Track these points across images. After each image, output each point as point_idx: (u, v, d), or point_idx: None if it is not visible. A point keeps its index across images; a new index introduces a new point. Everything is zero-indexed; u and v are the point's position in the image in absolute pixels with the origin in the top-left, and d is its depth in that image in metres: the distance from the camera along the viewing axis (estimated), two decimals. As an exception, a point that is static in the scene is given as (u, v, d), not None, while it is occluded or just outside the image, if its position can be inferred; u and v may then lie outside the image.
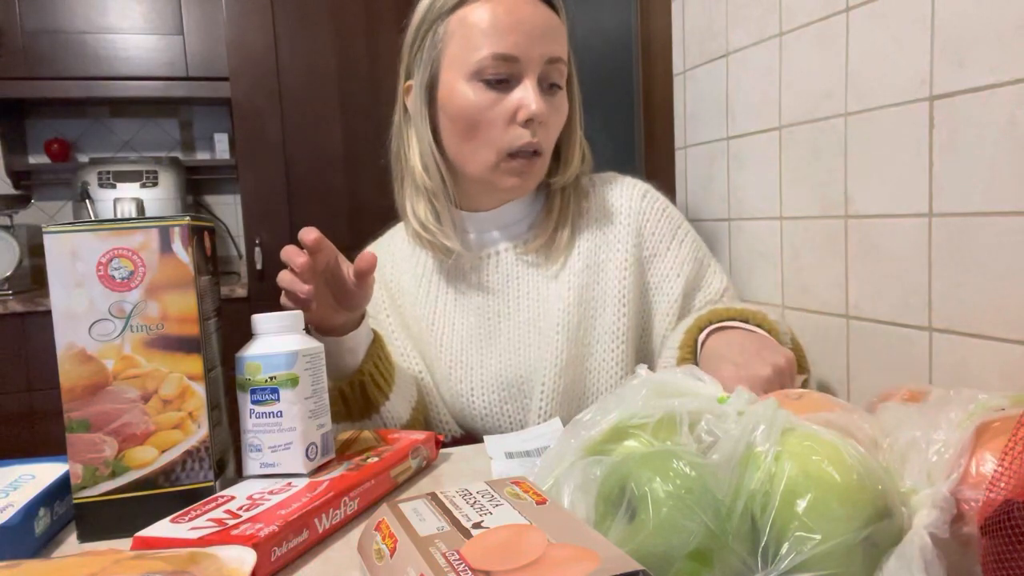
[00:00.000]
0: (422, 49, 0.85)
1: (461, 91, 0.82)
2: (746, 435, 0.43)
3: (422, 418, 0.90)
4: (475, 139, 0.83)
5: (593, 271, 0.88)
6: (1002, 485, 0.37)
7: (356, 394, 0.80)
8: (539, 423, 0.85)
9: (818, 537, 0.38)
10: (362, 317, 0.80)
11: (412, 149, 0.88)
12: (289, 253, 0.71)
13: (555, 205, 0.90)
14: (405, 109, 0.90)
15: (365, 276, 0.73)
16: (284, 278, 0.72)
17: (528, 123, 0.81)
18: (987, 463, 0.41)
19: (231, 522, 0.52)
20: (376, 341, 0.82)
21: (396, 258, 0.95)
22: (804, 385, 0.80)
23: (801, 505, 0.39)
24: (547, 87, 0.84)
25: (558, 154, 0.91)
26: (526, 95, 0.81)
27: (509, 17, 0.80)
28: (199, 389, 0.59)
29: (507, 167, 0.84)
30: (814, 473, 0.41)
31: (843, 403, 0.52)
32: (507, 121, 0.82)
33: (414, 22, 0.87)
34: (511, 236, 0.91)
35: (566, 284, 0.87)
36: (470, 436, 0.90)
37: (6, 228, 2.21)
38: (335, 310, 0.77)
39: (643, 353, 0.92)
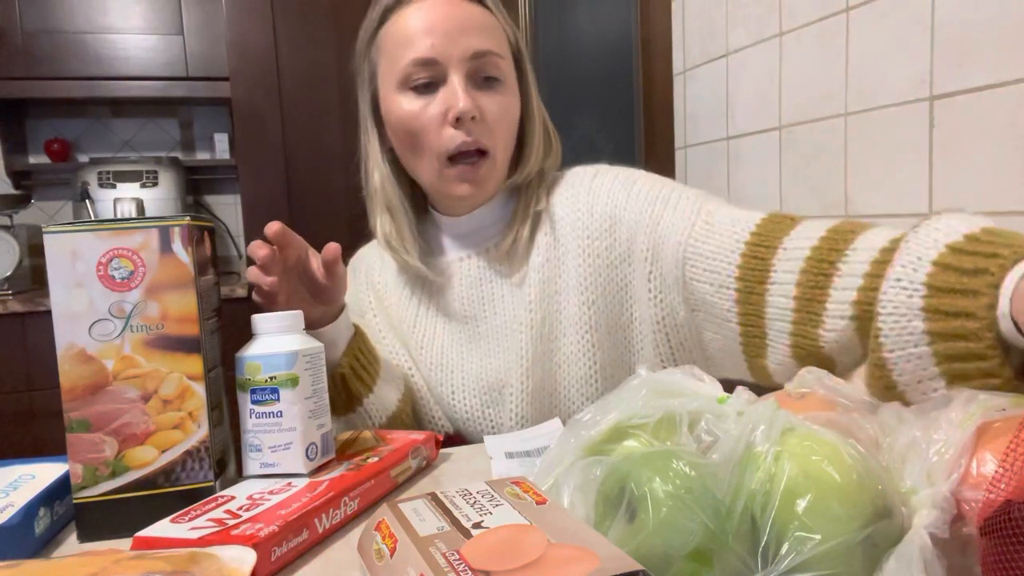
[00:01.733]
0: (362, 69, 0.88)
1: (395, 103, 0.82)
2: (746, 435, 0.43)
3: (409, 410, 0.90)
4: (417, 149, 0.83)
5: (553, 264, 0.86)
6: (1002, 486, 0.37)
7: (337, 387, 0.81)
8: (513, 426, 0.85)
9: (818, 537, 0.38)
10: (340, 311, 0.80)
11: (372, 168, 0.89)
12: (252, 247, 0.71)
13: (519, 207, 0.89)
14: (366, 130, 0.91)
15: (332, 267, 0.74)
16: (251, 272, 0.73)
17: (459, 122, 0.80)
18: (988, 463, 0.41)
19: (231, 522, 0.52)
20: (357, 335, 0.83)
21: (384, 259, 0.96)
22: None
23: (801, 505, 0.39)
24: (482, 81, 0.82)
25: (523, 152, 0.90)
26: (450, 94, 0.80)
27: (424, 21, 0.80)
28: (199, 389, 0.59)
29: (451, 173, 0.83)
30: (814, 473, 0.41)
31: (844, 402, 0.52)
32: (439, 124, 0.81)
33: (356, 48, 0.89)
34: (482, 239, 0.90)
35: (528, 282, 0.86)
36: (460, 436, 0.90)
37: (6, 228, 2.21)
38: (311, 304, 0.77)
39: (623, 335, 0.84)
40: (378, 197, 0.89)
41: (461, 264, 0.90)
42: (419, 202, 0.93)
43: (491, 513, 0.45)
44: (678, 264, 0.76)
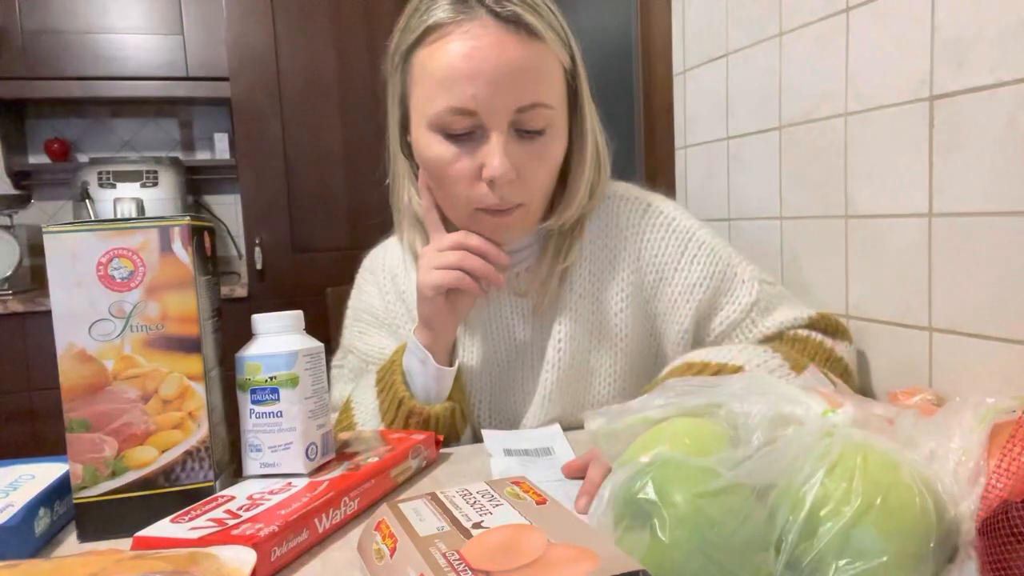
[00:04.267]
0: (394, 84, 0.79)
1: (425, 141, 0.74)
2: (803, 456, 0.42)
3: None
4: (445, 190, 0.76)
5: (588, 303, 0.82)
6: (999, 486, 0.37)
7: (445, 422, 0.78)
8: None
9: (867, 563, 0.38)
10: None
11: (400, 185, 0.85)
12: (493, 250, 0.75)
13: (549, 245, 0.83)
14: (395, 148, 0.85)
15: None
16: (470, 267, 0.75)
17: (493, 182, 0.72)
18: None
19: (231, 522, 0.52)
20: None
21: (408, 266, 0.90)
22: None
23: (859, 532, 0.38)
24: (523, 133, 0.73)
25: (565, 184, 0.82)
26: (489, 154, 0.71)
27: (468, 63, 0.69)
28: (199, 389, 0.59)
29: (480, 223, 0.76)
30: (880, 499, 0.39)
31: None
32: (472, 177, 0.73)
33: (389, 50, 0.79)
34: (512, 264, 0.83)
35: (559, 320, 0.82)
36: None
37: (6, 228, 2.21)
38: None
39: (649, 378, 0.84)
40: (408, 214, 0.85)
41: (488, 288, 0.84)
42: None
43: (491, 513, 0.45)
44: (712, 343, 0.82)
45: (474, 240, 0.75)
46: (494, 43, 0.69)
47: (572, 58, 0.77)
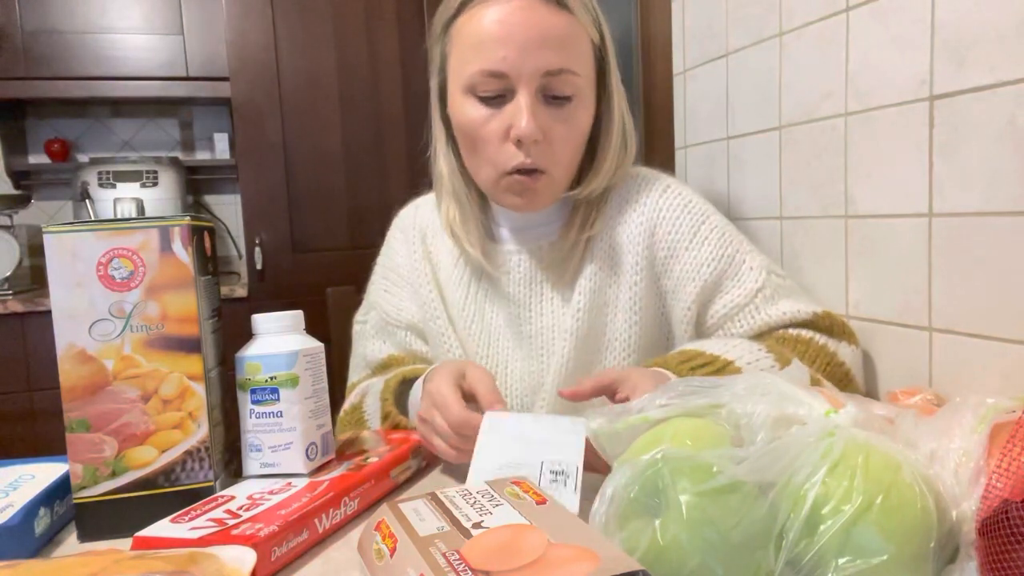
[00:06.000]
0: (435, 54, 0.84)
1: (459, 104, 0.79)
2: (798, 457, 0.42)
3: None
4: (476, 154, 0.81)
5: (605, 274, 0.85)
6: (999, 486, 0.37)
7: None
8: None
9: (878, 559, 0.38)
10: None
11: (439, 154, 0.88)
12: (457, 425, 0.65)
13: (574, 218, 0.86)
14: (435, 116, 0.89)
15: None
16: (436, 442, 0.68)
17: (520, 143, 0.77)
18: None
19: (231, 522, 0.52)
20: None
21: (439, 231, 0.93)
22: None
23: (859, 532, 0.38)
24: (552, 99, 0.78)
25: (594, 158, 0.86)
26: (516, 113, 0.76)
27: (500, 28, 0.74)
28: (199, 389, 0.59)
29: (506, 184, 0.80)
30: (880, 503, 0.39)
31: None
32: (501, 139, 0.78)
33: (431, 28, 0.84)
34: (537, 236, 0.88)
35: (578, 289, 0.84)
36: None
37: (6, 228, 2.21)
38: None
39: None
40: (445, 184, 0.88)
41: (514, 258, 0.88)
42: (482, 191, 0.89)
43: (491, 513, 0.45)
44: (714, 324, 0.84)
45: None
46: (525, 8, 0.75)
47: (601, 37, 0.81)
